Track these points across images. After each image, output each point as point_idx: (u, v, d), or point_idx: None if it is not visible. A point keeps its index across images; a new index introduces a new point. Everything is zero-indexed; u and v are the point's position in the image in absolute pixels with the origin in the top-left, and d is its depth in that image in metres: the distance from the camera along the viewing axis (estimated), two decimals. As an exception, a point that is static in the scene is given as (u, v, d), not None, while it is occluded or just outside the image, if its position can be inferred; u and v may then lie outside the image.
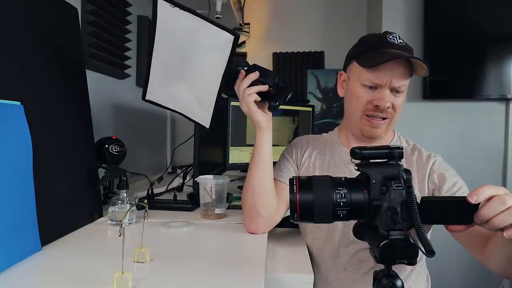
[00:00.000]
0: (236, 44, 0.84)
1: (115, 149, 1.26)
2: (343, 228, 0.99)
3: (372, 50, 0.95)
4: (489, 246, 0.80)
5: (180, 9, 0.83)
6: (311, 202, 0.61)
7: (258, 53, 2.61)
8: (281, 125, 1.78)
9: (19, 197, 0.75)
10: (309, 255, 1.04)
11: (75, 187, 0.99)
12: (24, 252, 0.76)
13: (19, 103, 0.78)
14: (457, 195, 0.94)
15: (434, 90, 2.12)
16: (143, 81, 0.96)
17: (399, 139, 1.07)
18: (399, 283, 0.59)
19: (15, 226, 0.73)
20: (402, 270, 0.96)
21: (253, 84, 0.92)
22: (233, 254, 0.88)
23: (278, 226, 1.04)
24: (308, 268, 0.96)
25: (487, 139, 2.14)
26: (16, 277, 0.68)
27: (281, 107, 0.99)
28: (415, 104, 2.15)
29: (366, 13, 2.59)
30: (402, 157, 0.60)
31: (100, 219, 1.09)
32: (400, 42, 0.95)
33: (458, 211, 0.60)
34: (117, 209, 1.04)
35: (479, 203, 0.58)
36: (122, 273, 0.63)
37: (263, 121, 0.96)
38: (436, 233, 1.01)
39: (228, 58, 0.85)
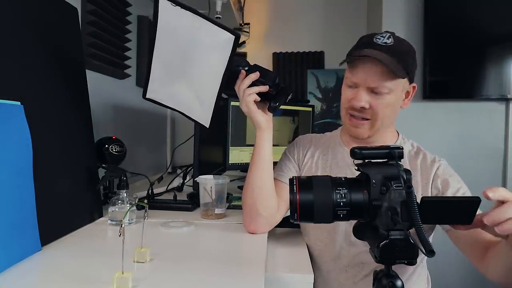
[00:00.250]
0: (236, 44, 0.84)
1: (115, 149, 1.26)
2: (345, 230, 0.98)
3: (355, 49, 0.96)
4: (489, 255, 0.80)
5: (181, 8, 0.82)
6: (311, 202, 0.61)
7: (258, 53, 2.61)
8: (281, 125, 1.78)
9: (19, 197, 0.75)
10: (310, 256, 1.04)
11: (75, 187, 0.99)
12: (24, 252, 0.76)
13: (19, 103, 0.78)
14: None
15: (434, 90, 2.12)
16: (143, 80, 0.96)
17: (403, 141, 1.05)
18: (399, 283, 0.59)
19: (15, 226, 0.73)
20: (403, 271, 0.96)
21: (253, 84, 0.92)
22: (233, 254, 0.88)
23: (278, 226, 1.04)
24: (308, 268, 0.96)
25: (487, 139, 2.14)
26: (16, 277, 0.68)
27: (281, 107, 0.98)
28: (415, 104, 2.15)
29: (366, 13, 2.59)
30: (402, 157, 0.60)
31: (100, 219, 1.09)
32: (385, 43, 0.92)
33: (458, 211, 0.60)
34: (117, 209, 1.04)
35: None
36: (122, 273, 0.63)
37: (263, 122, 0.95)
38: (436, 234, 1.01)
39: (228, 58, 0.85)
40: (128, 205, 1.05)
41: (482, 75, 2.08)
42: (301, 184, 0.63)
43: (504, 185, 2.12)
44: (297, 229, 1.20)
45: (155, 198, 1.31)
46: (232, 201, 1.31)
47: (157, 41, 0.88)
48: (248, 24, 2.49)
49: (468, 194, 0.95)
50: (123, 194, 1.06)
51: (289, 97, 0.96)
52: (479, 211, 0.63)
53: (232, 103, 1.55)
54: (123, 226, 0.64)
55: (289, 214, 0.65)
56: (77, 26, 1.14)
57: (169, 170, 2.02)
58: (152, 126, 2.11)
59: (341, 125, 1.13)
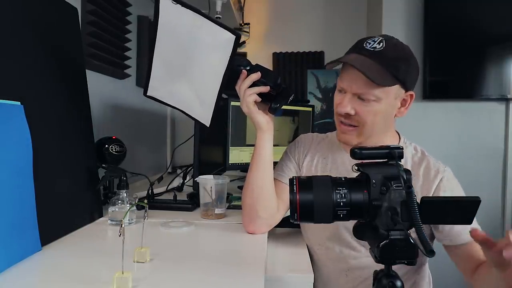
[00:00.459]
0: (237, 44, 0.84)
1: (115, 149, 1.26)
2: (345, 235, 0.98)
3: (345, 54, 0.94)
4: (478, 272, 0.85)
5: (182, 6, 0.82)
6: (311, 202, 0.61)
7: (258, 53, 2.61)
8: (281, 125, 1.78)
9: (19, 197, 0.75)
10: (310, 259, 1.04)
11: (75, 187, 0.99)
12: (24, 252, 0.76)
13: (19, 103, 0.78)
14: (464, 227, 0.89)
15: (434, 90, 2.12)
16: (144, 79, 0.96)
17: (405, 145, 1.01)
18: (399, 283, 0.59)
19: (15, 226, 0.73)
20: (404, 272, 0.96)
21: (254, 84, 0.91)
22: (233, 254, 0.88)
23: (278, 226, 1.04)
24: (308, 268, 0.96)
25: (487, 139, 2.14)
26: (16, 277, 0.68)
27: (282, 107, 0.98)
28: (415, 104, 2.12)
29: (366, 13, 2.59)
30: (402, 157, 0.60)
31: (100, 219, 1.09)
32: (374, 48, 0.88)
33: (458, 211, 0.60)
34: (117, 209, 1.04)
35: (477, 206, 0.59)
36: (122, 273, 0.63)
37: (263, 123, 0.95)
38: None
39: (229, 58, 0.85)
40: (128, 205, 1.05)
41: (482, 75, 2.08)
42: (301, 184, 0.63)
43: (504, 185, 2.12)
44: (297, 229, 1.20)
45: (155, 198, 1.30)
46: (232, 201, 1.31)
47: (158, 39, 0.88)
48: (248, 24, 2.49)
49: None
50: (123, 194, 1.06)
51: (290, 98, 0.95)
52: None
53: (232, 103, 1.55)
54: (123, 226, 0.64)
55: (289, 214, 0.65)
56: (77, 26, 1.14)
57: (169, 170, 2.02)
58: (152, 126, 2.11)
59: None
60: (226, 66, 0.86)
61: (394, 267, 0.60)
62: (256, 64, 0.94)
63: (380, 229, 0.58)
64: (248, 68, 0.92)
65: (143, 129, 1.94)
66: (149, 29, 1.87)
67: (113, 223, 1.02)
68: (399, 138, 1.02)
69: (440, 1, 2.11)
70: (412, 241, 0.56)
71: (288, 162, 1.09)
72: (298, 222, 0.65)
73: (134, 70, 1.79)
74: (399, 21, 2.18)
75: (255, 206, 0.96)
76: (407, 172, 0.59)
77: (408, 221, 0.56)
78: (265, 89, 0.91)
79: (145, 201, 0.82)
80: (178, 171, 1.78)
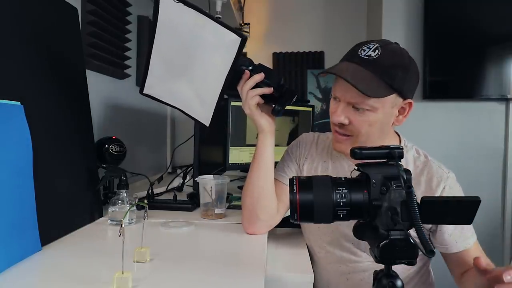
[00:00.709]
0: (243, 46, 0.82)
1: (115, 149, 1.26)
2: (346, 239, 0.97)
3: (340, 61, 0.91)
4: (465, 278, 0.89)
5: (184, 5, 0.81)
6: (311, 202, 0.61)
7: (258, 53, 2.61)
8: (281, 125, 1.78)
9: (19, 197, 0.75)
10: (312, 259, 1.04)
11: (75, 187, 0.99)
12: (24, 252, 0.76)
13: (19, 103, 0.78)
14: (460, 236, 0.91)
15: (434, 90, 2.12)
16: (141, 76, 0.95)
17: (406, 148, 0.97)
18: (399, 283, 0.59)
19: (15, 226, 0.73)
20: (406, 274, 0.96)
21: (257, 85, 0.89)
22: (233, 254, 0.88)
23: (278, 226, 1.04)
24: (308, 268, 0.96)
25: (487, 139, 2.14)
26: (16, 277, 0.68)
27: (282, 107, 0.97)
28: (415, 104, 2.12)
29: (366, 13, 2.59)
30: (402, 157, 0.60)
31: (100, 219, 1.09)
32: (368, 56, 0.84)
33: (458, 211, 0.60)
34: (117, 209, 1.04)
35: (477, 206, 0.59)
36: (122, 273, 0.63)
37: (265, 125, 0.94)
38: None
39: (233, 59, 0.83)
40: (128, 205, 1.05)
41: (482, 75, 2.08)
42: (301, 184, 0.63)
43: (504, 185, 2.12)
44: (297, 229, 1.20)
45: (155, 198, 1.31)
46: (232, 201, 1.31)
47: (157, 37, 0.87)
48: (248, 24, 2.48)
49: (470, 226, 0.92)
50: (123, 194, 1.06)
51: (293, 100, 0.92)
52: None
53: (232, 103, 1.55)
54: (123, 226, 0.64)
55: (289, 214, 0.65)
56: (77, 26, 1.14)
57: (169, 170, 2.02)
58: (152, 126, 2.11)
59: None
60: (230, 67, 0.84)
61: (396, 269, 0.60)
62: (259, 64, 0.92)
63: (380, 229, 0.58)
64: (250, 68, 0.90)
65: (143, 129, 1.94)
66: (149, 29, 1.86)
67: (113, 223, 1.03)
68: (400, 141, 1.00)
69: (440, 1, 2.11)
70: (412, 241, 0.56)
71: (289, 162, 1.08)
72: (298, 222, 0.65)
73: (134, 70, 1.79)
74: (399, 21, 2.18)
75: (255, 208, 0.95)
76: (407, 172, 0.59)
77: (408, 221, 0.56)
78: (268, 90, 0.90)
79: (145, 201, 0.82)
80: (178, 171, 1.78)
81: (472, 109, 2.14)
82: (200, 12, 0.81)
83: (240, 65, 0.88)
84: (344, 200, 0.60)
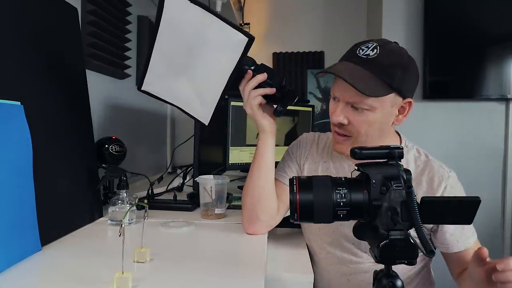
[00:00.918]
0: (249, 46, 0.82)
1: (115, 149, 1.26)
2: (347, 240, 0.97)
3: (339, 60, 0.91)
4: (463, 277, 0.89)
5: (190, 2, 0.79)
6: (311, 202, 0.61)
7: (258, 53, 2.60)
8: (281, 125, 1.78)
9: (19, 197, 0.75)
10: (313, 262, 1.04)
11: (75, 187, 0.99)
12: (24, 252, 0.76)
13: (19, 103, 0.78)
14: (461, 236, 0.91)
15: (434, 90, 2.12)
16: (141, 72, 0.94)
17: (407, 148, 0.97)
18: (399, 283, 0.59)
19: (15, 226, 0.73)
20: (408, 275, 0.96)
21: (259, 85, 0.89)
22: (233, 254, 0.88)
23: (278, 226, 1.04)
24: (308, 268, 0.96)
25: (487, 139, 2.14)
26: (16, 277, 0.68)
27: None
28: (415, 104, 2.12)
29: (366, 13, 2.59)
30: (402, 157, 0.60)
31: (100, 219, 1.09)
32: (367, 55, 0.84)
33: (458, 211, 0.60)
34: (117, 209, 1.04)
35: (477, 206, 0.59)
36: (122, 273, 0.63)
37: (267, 125, 0.94)
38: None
39: (238, 59, 0.83)
40: (128, 205, 1.05)
41: (482, 75, 2.08)
42: (301, 184, 0.63)
43: (504, 185, 2.12)
44: (297, 229, 1.20)
45: (155, 198, 1.30)
46: (232, 201, 1.31)
47: (160, 34, 0.85)
48: (248, 24, 2.49)
49: (471, 226, 0.92)
50: (123, 194, 1.06)
51: (295, 100, 0.92)
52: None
53: (232, 103, 1.55)
54: (123, 226, 0.64)
55: (289, 214, 0.65)
56: (77, 26, 1.14)
57: (169, 170, 2.02)
58: (152, 126, 2.11)
59: None
60: (234, 67, 0.84)
61: (396, 269, 0.60)
62: (262, 63, 0.92)
63: (380, 229, 0.58)
64: (253, 67, 0.89)
65: (143, 129, 1.94)
66: (149, 29, 1.87)
67: (113, 223, 1.02)
68: (400, 141, 0.99)
69: (440, 1, 2.11)
70: (412, 241, 0.56)
71: (290, 162, 1.08)
72: (298, 222, 0.65)
73: (134, 70, 1.79)
74: (399, 21, 2.18)
75: (255, 208, 0.95)
76: (407, 172, 0.59)
77: (408, 221, 0.56)
78: (270, 91, 0.89)
79: (145, 201, 0.82)
80: (178, 171, 1.78)
81: (472, 109, 2.14)
82: (207, 11, 0.80)
83: (243, 65, 0.88)
84: (344, 200, 0.60)
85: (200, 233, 1.01)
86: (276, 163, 1.05)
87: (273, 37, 2.67)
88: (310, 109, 1.92)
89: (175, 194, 1.29)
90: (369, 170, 0.61)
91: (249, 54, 0.86)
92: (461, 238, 0.90)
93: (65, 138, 0.98)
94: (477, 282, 0.73)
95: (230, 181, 1.23)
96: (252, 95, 0.89)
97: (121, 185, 1.07)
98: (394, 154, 0.60)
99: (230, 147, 1.59)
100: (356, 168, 0.63)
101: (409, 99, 0.89)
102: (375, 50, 0.84)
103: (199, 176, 1.15)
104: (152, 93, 0.96)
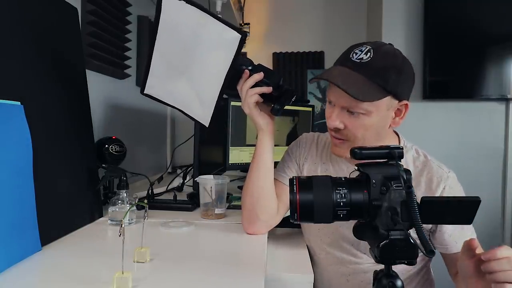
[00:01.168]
0: (242, 43, 0.82)
1: (115, 149, 1.26)
2: (347, 241, 0.97)
3: (334, 64, 0.91)
4: (458, 278, 0.88)
5: (186, 2, 0.80)
6: (311, 202, 0.61)
7: (258, 53, 2.61)
8: (281, 125, 1.78)
9: (19, 197, 0.75)
10: (313, 262, 1.04)
11: (75, 187, 0.99)
12: (24, 252, 0.76)
13: (19, 103, 0.78)
14: (460, 236, 0.90)
15: (434, 90, 2.12)
16: (142, 76, 0.95)
17: (406, 149, 0.96)
18: (399, 283, 0.59)
19: (15, 226, 0.73)
20: (407, 275, 0.96)
21: (257, 85, 0.90)
22: (233, 254, 0.88)
23: (278, 226, 1.04)
24: (308, 268, 0.96)
25: (487, 139, 2.14)
26: (16, 277, 0.68)
27: (281, 107, 0.96)
28: (415, 104, 2.15)
29: (366, 13, 2.59)
30: (402, 157, 0.60)
31: (100, 219, 1.09)
32: (360, 59, 0.83)
33: (458, 211, 0.60)
34: (117, 209, 1.04)
35: (477, 206, 0.59)
36: (122, 273, 0.63)
37: (264, 124, 0.94)
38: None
39: (233, 57, 0.83)
40: (128, 205, 1.05)
41: (482, 75, 2.08)
42: (301, 184, 0.63)
43: (504, 185, 2.12)
44: (297, 229, 1.20)
45: (155, 198, 1.30)
46: (232, 201, 1.31)
47: (158, 37, 0.86)
48: (248, 24, 2.49)
49: (470, 226, 0.92)
50: (123, 194, 1.06)
51: (292, 100, 0.92)
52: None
53: (232, 103, 1.55)
54: (123, 226, 0.64)
55: (289, 214, 0.65)
56: (77, 26, 1.14)
57: (169, 170, 2.02)
58: (152, 126, 2.11)
59: None
60: (230, 65, 0.85)
61: (396, 269, 0.60)
62: (259, 64, 0.93)
63: (380, 229, 0.58)
64: (250, 68, 0.91)
65: (143, 129, 1.94)
66: (149, 29, 1.87)
67: (113, 223, 1.02)
68: (399, 141, 0.99)
69: (440, 1, 2.11)
70: (412, 241, 0.56)
71: (289, 162, 1.08)
72: (298, 222, 0.65)
73: (134, 70, 1.79)
74: (399, 21, 2.18)
75: (255, 208, 0.95)
76: (407, 172, 0.59)
77: (408, 221, 0.56)
78: (267, 89, 0.90)
79: (145, 201, 0.82)
80: (178, 171, 1.78)
81: (472, 109, 2.14)
82: (202, 10, 0.81)
83: (240, 65, 0.89)
84: (344, 200, 0.60)
85: (200, 233, 1.01)
86: (276, 163, 1.05)
87: (273, 37, 2.67)
88: (310, 109, 1.92)
89: (175, 194, 1.29)
90: (369, 170, 0.61)
91: (249, 54, 0.87)
92: (459, 238, 0.90)
93: (65, 138, 0.98)
94: (467, 275, 0.71)
95: (230, 181, 1.23)
96: (249, 93, 0.90)
97: (121, 185, 1.07)
98: (394, 154, 0.60)
99: (230, 147, 1.59)
100: (356, 169, 0.63)
101: (405, 102, 0.89)
102: (369, 54, 0.84)
103: (199, 176, 1.15)
104: (154, 96, 0.97)
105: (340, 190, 0.61)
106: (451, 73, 2.13)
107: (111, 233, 0.98)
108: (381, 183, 0.59)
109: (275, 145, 0.99)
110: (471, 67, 2.08)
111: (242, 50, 0.85)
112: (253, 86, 0.90)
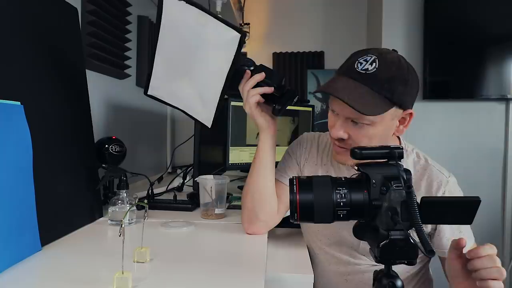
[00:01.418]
0: (242, 42, 0.82)
1: (115, 149, 1.26)
2: (348, 241, 0.97)
3: (336, 73, 0.89)
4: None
5: (186, 2, 0.81)
6: (311, 203, 0.61)
7: (258, 53, 2.61)
8: (281, 125, 1.78)
9: (19, 197, 0.75)
10: (312, 261, 1.04)
11: (75, 187, 0.99)
12: (24, 252, 0.76)
13: (19, 103, 0.78)
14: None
15: (434, 90, 2.12)
16: (144, 78, 0.95)
17: (406, 153, 0.95)
18: (399, 283, 0.59)
19: (15, 226, 0.73)
20: (406, 276, 0.96)
21: (258, 85, 0.90)
22: (233, 254, 0.88)
23: (278, 226, 1.04)
24: (308, 268, 0.96)
25: (487, 139, 2.14)
26: (16, 277, 0.68)
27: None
28: (415, 104, 2.14)
29: (366, 13, 2.59)
30: (402, 157, 0.60)
31: (100, 219, 1.08)
32: (366, 69, 0.81)
33: (458, 211, 0.60)
34: (117, 209, 1.04)
35: (477, 206, 0.59)
36: (122, 273, 0.63)
37: (265, 124, 0.94)
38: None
39: (234, 56, 0.83)
40: (128, 205, 1.05)
41: (482, 75, 2.08)
42: (301, 184, 0.63)
43: (504, 185, 2.12)
44: (297, 229, 1.20)
45: (155, 198, 1.31)
46: (232, 201, 1.31)
47: (161, 37, 0.86)
48: (248, 24, 2.49)
49: (468, 229, 0.92)
50: (123, 194, 1.06)
51: (294, 100, 0.92)
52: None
53: (232, 103, 1.55)
54: (123, 226, 0.64)
55: (289, 214, 0.65)
56: (77, 26, 1.14)
57: (169, 170, 2.02)
58: (152, 126, 2.11)
59: None
60: (231, 65, 0.84)
61: (396, 269, 0.60)
62: (260, 64, 0.93)
63: (380, 229, 0.58)
64: (252, 68, 0.91)
65: (143, 129, 1.94)
66: (149, 29, 1.87)
67: (113, 223, 1.02)
68: (400, 143, 0.98)
69: (440, 2, 2.11)
70: (412, 241, 0.56)
71: (290, 162, 1.08)
72: (298, 222, 0.65)
73: (134, 70, 1.79)
74: (399, 21, 2.18)
75: (255, 208, 0.95)
76: (407, 172, 0.59)
77: (408, 221, 0.56)
78: (269, 90, 0.90)
79: (145, 201, 0.82)
80: (178, 171, 1.78)
81: (472, 109, 2.15)
82: (202, 10, 0.81)
83: (242, 65, 0.89)
84: (344, 200, 0.60)
85: (200, 233, 1.01)
86: (276, 163, 1.05)
87: (273, 37, 2.67)
88: (310, 109, 1.92)
89: (175, 194, 1.29)
90: (369, 170, 0.60)
91: (249, 54, 0.87)
92: None
93: (65, 138, 0.98)
94: (454, 275, 0.71)
95: (230, 181, 1.23)
96: (250, 94, 0.90)
97: (121, 185, 1.07)
98: (394, 154, 0.60)
99: (230, 147, 1.59)
100: (356, 169, 0.63)
101: (409, 110, 0.88)
102: (374, 64, 0.82)
103: (199, 176, 1.15)
104: (158, 97, 0.97)
105: (340, 190, 0.61)
106: (451, 73, 2.13)
107: (111, 233, 0.98)
108: (381, 183, 0.59)
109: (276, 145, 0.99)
110: (471, 67, 2.08)
111: (242, 50, 0.85)
112: (254, 86, 0.90)
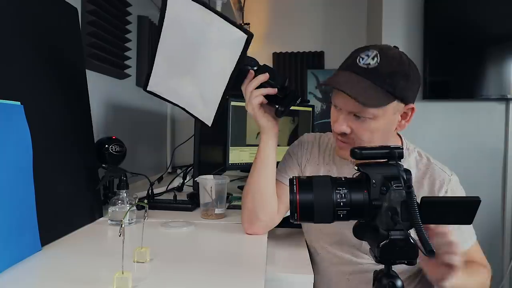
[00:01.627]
0: (248, 44, 0.81)
1: (115, 149, 1.26)
2: (350, 241, 0.96)
3: (338, 69, 0.90)
4: None
5: (192, 0, 0.80)
6: (311, 203, 0.61)
7: (258, 53, 2.61)
8: (281, 125, 1.75)
9: (19, 197, 0.75)
10: (312, 261, 1.04)
11: (75, 187, 0.99)
12: (24, 252, 0.76)
13: (19, 103, 0.78)
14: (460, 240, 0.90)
15: (434, 90, 2.12)
16: (144, 77, 0.94)
17: (408, 151, 0.97)
18: (399, 283, 0.59)
19: (15, 226, 0.73)
20: (406, 276, 0.96)
21: (261, 86, 0.89)
22: (233, 254, 0.88)
23: (278, 226, 1.04)
24: (308, 268, 0.96)
25: (487, 139, 2.14)
26: (16, 277, 0.68)
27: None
28: (415, 104, 2.15)
29: (366, 13, 2.59)
30: (402, 157, 0.60)
31: (100, 219, 1.08)
32: (368, 64, 0.83)
33: (458, 211, 0.60)
34: (117, 209, 1.03)
35: (477, 206, 0.59)
36: (122, 273, 0.63)
37: (267, 125, 0.94)
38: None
39: (238, 57, 0.83)
40: (128, 205, 1.05)
41: (482, 75, 2.08)
42: (301, 184, 0.63)
43: (504, 185, 2.12)
44: (297, 229, 1.20)
45: (155, 198, 1.30)
46: (232, 201, 1.31)
47: (163, 34, 0.85)
48: (248, 24, 2.49)
49: (469, 228, 0.92)
50: (123, 194, 1.06)
51: (297, 102, 0.92)
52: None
53: (232, 103, 1.55)
54: (123, 226, 0.64)
55: (289, 214, 0.65)
56: (77, 26, 1.14)
57: (169, 170, 2.02)
58: (152, 126, 2.11)
59: None
60: (235, 65, 0.84)
61: (396, 270, 0.60)
62: (264, 64, 0.92)
63: (380, 229, 0.58)
64: (255, 68, 0.90)
65: (143, 129, 1.94)
66: (149, 29, 1.87)
67: (113, 223, 1.02)
68: (402, 143, 0.99)
69: (440, 2, 2.11)
70: (412, 241, 0.56)
71: (291, 163, 1.08)
72: (298, 222, 0.65)
73: (134, 70, 1.79)
74: (399, 21, 2.18)
75: (255, 209, 0.95)
76: (407, 172, 0.59)
77: (408, 221, 0.56)
78: (272, 91, 0.89)
79: (145, 201, 0.82)
80: (178, 171, 1.78)
81: (472, 109, 2.15)
82: (208, 8, 0.80)
83: (245, 65, 0.88)
84: (344, 200, 0.60)
85: (200, 233, 1.01)
86: (277, 163, 1.05)
87: (273, 37, 2.67)
88: (310, 109, 1.92)
89: (175, 194, 1.29)
90: (369, 170, 0.60)
91: (249, 54, 0.86)
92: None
93: (65, 138, 0.98)
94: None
95: (230, 181, 1.23)
96: (254, 94, 0.89)
97: (121, 185, 1.07)
98: (394, 154, 0.60)
99: (230, 147, 1.59)
100: (356, 168, 0.63)
101: (411, 105, 0.89)
102: (376, 59, 0.83)
103: (199, 176, 1.15)
104: (157, 94, 0.96)
105: (340, 190, 0.61)
106: (451, 73, 2.13)
107: (111, 233, 0.98)
108: (381, 183, 0.59)
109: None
110: (471, 67, 2.08)
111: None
112: (258, 87, 0.89)
